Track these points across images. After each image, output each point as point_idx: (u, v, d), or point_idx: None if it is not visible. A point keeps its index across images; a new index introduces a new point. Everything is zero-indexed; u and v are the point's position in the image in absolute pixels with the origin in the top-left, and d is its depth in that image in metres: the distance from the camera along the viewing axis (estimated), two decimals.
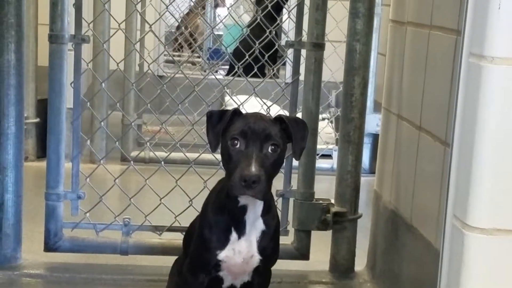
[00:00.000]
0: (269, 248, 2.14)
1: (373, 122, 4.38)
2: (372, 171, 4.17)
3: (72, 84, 2.79)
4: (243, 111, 2.07)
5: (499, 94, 1.63)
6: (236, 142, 1.97)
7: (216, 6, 8.42)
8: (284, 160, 2.06)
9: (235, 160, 1.95)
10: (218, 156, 2.09)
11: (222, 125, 2.00)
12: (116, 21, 3.07)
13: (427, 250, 2.31)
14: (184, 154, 3.38)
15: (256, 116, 2.04)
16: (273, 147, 1.97)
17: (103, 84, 3.48)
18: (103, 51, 3.89)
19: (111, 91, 3.47)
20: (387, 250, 2.75)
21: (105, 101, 4.46)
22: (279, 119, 2.04)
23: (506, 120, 1.63)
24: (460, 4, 2.08)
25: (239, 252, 2.10)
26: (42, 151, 4.44)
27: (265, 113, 2.36)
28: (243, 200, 2.04)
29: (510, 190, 1.66)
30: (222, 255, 2.10)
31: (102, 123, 3.55)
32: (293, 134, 2.02)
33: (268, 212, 2.12)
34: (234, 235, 2.09)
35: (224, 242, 2.09)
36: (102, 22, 4.27)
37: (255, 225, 2.10)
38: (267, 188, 1.97)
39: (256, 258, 2.12)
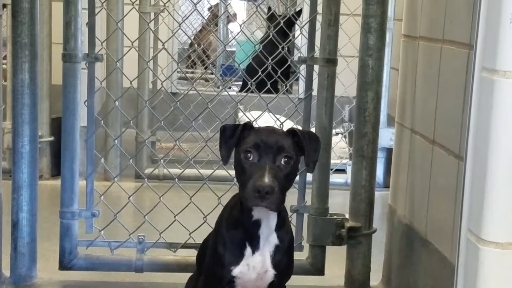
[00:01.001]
0: (283, 263, 2.13)
1: (386, 137, 4.38)
2: (386, 185, 4.15)
3: (86, 103, 2.80)
4: (256, 127, 2.08)
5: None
6: (249, 155, 1.98)
7: (229, 22, 8.44)
8: (298, 174, 2.06)
9: (248, 173, 1.96)
10: (232, 172, 2.09)
11: (235, 138, 2.02)
12: (129, 39, 3.09)
13: (442, 265, 2.30)
14: (198, 171, 3.38)
15: (269, 129, 2.05)
16: (286, 159, 1.98)
17: (117, 102, 3.50)
18: (116, 69, 3.90)
19: (124, 109, 3.48)
20: (402, 265, 2.74)
21: (119, 119, 4.47)
22: (291, 132, 2.05)
23: None
24: (472, 19, 2.08)
25: (254, 268, 2.10)
26: (56, 170, 4.45)
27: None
28: (256, 214, 2.05)
29: None
30: (237, 270, 2.09)
31: (116, 140, 3.57)
32: (306, 147, 2.03)
33: (282, 227, 2.12)
34: (248, 250, 2.09)
35: (238, 257, 2.09)
36: (115, 40, 4.29)
37: (269, 240, 2.10)
38: (281, 200, 1.96)
39: (271, 273, 2.11)
